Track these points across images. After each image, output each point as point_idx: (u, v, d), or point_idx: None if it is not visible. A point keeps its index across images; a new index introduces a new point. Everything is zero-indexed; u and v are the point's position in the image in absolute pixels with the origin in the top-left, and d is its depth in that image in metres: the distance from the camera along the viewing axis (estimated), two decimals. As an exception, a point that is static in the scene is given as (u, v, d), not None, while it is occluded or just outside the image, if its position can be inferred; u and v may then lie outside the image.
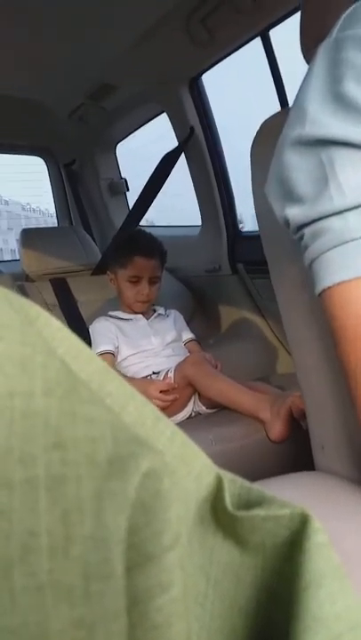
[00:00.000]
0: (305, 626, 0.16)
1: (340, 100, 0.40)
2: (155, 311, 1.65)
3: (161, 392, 1.33)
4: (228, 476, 0.20)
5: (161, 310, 1.67)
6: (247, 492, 0.20)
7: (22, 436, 0.16)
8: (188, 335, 1.66)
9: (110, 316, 1.60)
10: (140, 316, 1.60)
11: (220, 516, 0.19)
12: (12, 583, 0.13)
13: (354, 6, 0.41)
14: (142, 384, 1.37)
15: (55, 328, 0.21)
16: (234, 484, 0.20)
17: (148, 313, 1.63)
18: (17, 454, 0.15)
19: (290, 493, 0.50)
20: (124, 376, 1.47)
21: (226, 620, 0.18)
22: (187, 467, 0.19)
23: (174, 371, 1.37)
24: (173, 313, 1.70)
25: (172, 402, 1.34)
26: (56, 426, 0.16)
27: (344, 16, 0.42)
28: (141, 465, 0.15)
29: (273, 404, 1.20)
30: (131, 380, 1.45)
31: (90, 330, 1.59)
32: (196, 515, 0.19)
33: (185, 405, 1.38)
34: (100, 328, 1.55)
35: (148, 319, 1.61)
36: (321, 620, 0.16)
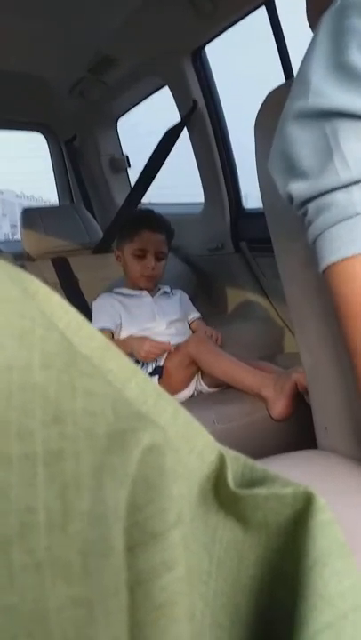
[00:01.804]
0: (311, 604, 0.16)
1: (344, 69, 0.39)
2: (160, 289, 1.65)
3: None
4: (230, 454, 0.20)
5: (166, 289, 1.67)
6: (250, 471, 0.20)
7: (20, 410, 0.15)
8: (193, 314, 1.66)
9: (115, 292, 1.60)
10: (146, 292, 1.59)
11: (223, 494, 0.19)
12: (10, 560, 0.13)
13: None
14: (138, 340, 1.39)
15: (55, 303, 0.20)
16: (237, 462, 0.20)
17: (153, 290, 1.62)
18: (15, 429, 0.15)
19: (292, 471, 0.50)
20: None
21: (229, 597, 0.18)
22: (189, 444, 0.19)
23: (177, 348, 1.37)
24: (179, 292, 1.70)
25: (164, 350, 1.35)
26: (55, 399, 0.16)
27: None
28: (143, 439, 0.15)
29: (276, 381, 1.20)
30: (125, 338, 1.46)
31: (92, 305, 1.58)
32: (199, 493, 0.18)
33: (188, 384, 1.38)
34: (103, 304, 1.55)
35: (153, 296, 1.60)
36: (327, 599, 0.16)
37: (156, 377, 1.35)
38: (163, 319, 1.55)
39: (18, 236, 2.42)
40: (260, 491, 0.18)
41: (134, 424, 0.16)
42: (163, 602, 0.14)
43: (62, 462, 0.14)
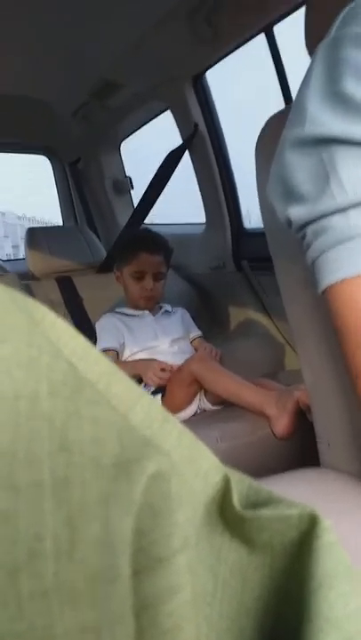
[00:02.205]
0: (317, 628, 0.16)
1: (339, 97, 0.40)
2: (161, 308, 1.66)
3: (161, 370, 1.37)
4: (235, 476, 0.20)
5: (167, 307, 1.67)
6: (255, 492, 0.20)
7: (28, 439, 0.15)
8: (195, 332, 1.66)
9: (117, 312, 1.61)
10: (147, 312, 1.61)
11: (228, 516, 0.19)
12: (18, 588, 0.13)
13: (352, 4, 0.41)
14: (144, 364, 1.40)
15: (61, 329, 0.21)
16: (242, 484, 0.20)
17: (154, 309, 1.63)
18: (22, 457, 0.15)
19: (296, 490, 0.50)
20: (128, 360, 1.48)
21: (234, 620, 0.18)
22: (194, 467, 0.19)
23: (180, 367, 1.37)
24: (180, 310, 1.71)
25: (168, 380, 1.35)
26: (61, 428, 0.16)
27: (342, 14, 0.42)
28: (147, 467, 0.15)
29: (279, 399, 1.19)
30: (134, 361, 1.46)
31: (96, 326, 1.59)
32: (204, 514, 0.19)
33: (191, 402, 1.38)
34: (106, 324, 1.56)
35: (154, 315, 1.61)
36: (333, 622, 0.16)
37: (159, 395, 1.35)
38: (165, 338, 1.55)
39: (20, 255, 2.43)
40: (266, 512, 0.18)
41: (139, 452, 0.16)
42: (169, 627, 0.14)
43: (69, 490, 0.14)
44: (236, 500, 0.19)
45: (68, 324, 0.21)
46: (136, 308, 1.61)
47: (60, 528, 0.14)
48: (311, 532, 0.18)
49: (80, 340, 0.20)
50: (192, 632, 0.15)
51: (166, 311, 1.66)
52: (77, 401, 0.16)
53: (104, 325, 1.56)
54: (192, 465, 0.19)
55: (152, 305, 1.62)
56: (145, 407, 0.20)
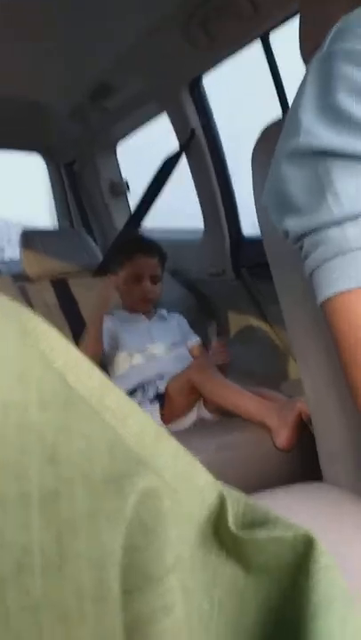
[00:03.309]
0: None
1: (332, 111, 0.40)
2: (156, 312, 1.66)
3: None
4: (232, 494, 0.20)
5: (163, 312, 1.67)
6: (251, 511, 0.19)
7: (16, 450, 0.15)
8: (193, 339, 1.66)
9: (113, 315, 1.60)
10: (143, 316, 1.61)
11: (223, 537, 0.19)
12: (5, 602, 0.13)
13: (343, 19, 0.42)
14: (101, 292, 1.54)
15: (54, 339, 0.20)
16: (238, 503, 0.20)
17: (149, 313, 1.63)
18: (10, 468, 0.15)
19: (296, 504, 0.49)
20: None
21: None
22: (189, 485, 0.19)
23: (179, 374, 1.37)
24: (176, 316, 1.71)
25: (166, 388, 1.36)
26: (51, 441, 0.16)
27: (334, 30, 0.42)
28: (138, 484, 0.15)
29: (280, 410, 1.18)
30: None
31: None
32: (199, 534, 0.18)
33: (190, 410, 1.37)
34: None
35: (149, 319, 1.61)
36: None
37: (157, 404, 1.34)
38: (159, 341, 1.55)
39: (5, 258, 2.42)
40: (262, 534, 0.18)
41: (130, 468, 0.16)
42: None
43: (58, 504, 0.14)
44: (231, 520, 0.18)
45: (60, 334, 0.21)
46: (132, 311, 1.61)
47: (49, 542, 0.14)
48: (308, 555, 0.18)
49: (73, 351, 0.20)
50: None
51: (162, 316, 1.66)
52: (68, 415, 0.16)
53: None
54: (187, 482, 0.19)
55: (149, 308, 1.63)
56: (138, 421, 0.19)
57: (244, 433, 1.21)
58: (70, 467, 0.15)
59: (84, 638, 0.13)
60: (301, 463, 1.13)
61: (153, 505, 0.15)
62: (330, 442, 0.62)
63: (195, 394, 1.32)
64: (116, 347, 1.53)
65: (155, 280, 1.60)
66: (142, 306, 1.60)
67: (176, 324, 1.67)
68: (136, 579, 0.15)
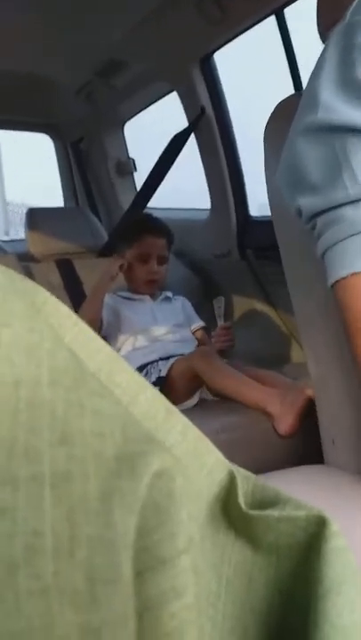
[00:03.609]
0: (324, 634, 0.15)
1: (353, 85, 0.39)
2: (162, 294, 1.65)
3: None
4: (241, 473, 0.19)
5: (168, 294, 1.67)
6: (261, 491, 0.19)
7: (28, 428, 0.15)
8: (197, 322, 1.65)
9: (117, 295, 1.59)
10: (147, 297, 1.60)
11: (233, 515, 0.18)
12: (16, 585, 0.13)
13: None
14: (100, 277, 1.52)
15: (63, 315, 0.20)
16: (247, 481, 0.19)
17: (154, 295, 1.62)
18: (22, 448, 0.14)
19: (299, 487, 0.49)
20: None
21: (238, 620, 0.17)
22: (199, 462, 0.18)
23: (182, 360, 1.36)
24: (181, 299, 1.70)
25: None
26: (63, 418, 0.15)
27: (357, 1, 0.40)
28: (152, 464, 0.15)
29: (284, 396, 1.16)
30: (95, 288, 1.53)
31: None
32: (208, 512, 0.18)
33: (191, 396, 1.37)
34: (107, 303, 1.54)
35: (154, 300, 1.61)
36: (340, 629, 0.16)
37: (158, 388, 1.33)
38: (163, 323, 1.54)
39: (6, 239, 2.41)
40: (273, 512, 0.18)
41: (144, 447, 0.15)
42: (172, 629, 0.14)
43: (70, 485, 0.14)
44: (241, 498, 0.18)
45: (69, 309, 0.20)
46: (137, 292, 1.61)
47: (60, 524, 0.13)
48: (319, 535, 0.18)
49: (82, 326, 0.20)
50: (195, 634, 0.14)
51: (167, 297, 1.66)
52: (79, 391, 0.16)
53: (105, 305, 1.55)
54: (197, 460, 0.18)
55: (155, 289, 1.62)
56: (149, 398, 0.19)
57: (245, 414, 1.21)
58: (82, 445, 0.15)
59: (96, 623, 0.13)
60: (304, 445, 1.13)
61: (166, 485, 0.15)
62: (334, 424, 0.62)
63: (197, 380, 1.32)
64: (118, 327, 1.52)
65: (161, 261, 1.59)
66: (147, 287, 1.59)
67: (180, 306, 1.66)
68: (148, 561, 0.14)
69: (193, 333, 1.62)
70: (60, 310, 0.20)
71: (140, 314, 1.55)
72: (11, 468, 0.14)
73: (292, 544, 0.18)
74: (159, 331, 1.53)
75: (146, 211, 2.04)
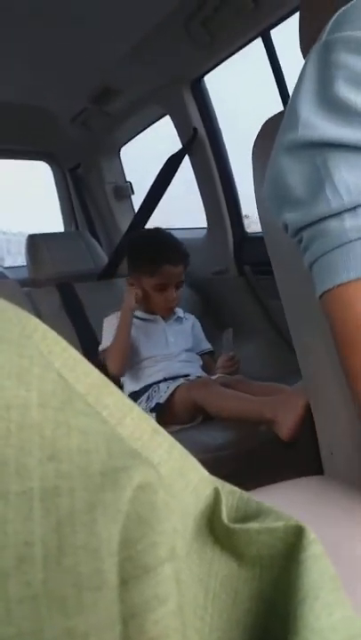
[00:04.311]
0: (302, 638, 0.16)
1: (331, 101, 0.40)
2: (174, 314, 1.65)
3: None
4: (226, 488, 0.20)
5: (180, 313, 1.66)
6: (245, 504, 0.20)
7: (18, 449, 0.16)
8: (205, 346, 1.66)
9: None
10: (159, 317, 1.60)
11: (218, 529, 0.19)
12: (7, 593, 0.13)
13: (343, 9, 0.42)
14: (124, 308, 1.51)
15: (52, 341, 0.21)
16: (232, 496, 0.20)
17: (167, 316, 1.63)
18: (13, 467, 0.15)
19: (298, 498, 0.50)
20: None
21: (225, 632, 0.18)
22: (184, 479, 0.19)
23: (183, 389, 1.37)
24: (192, 319, 1.70)
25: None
26: (51, 438, 0.16)
27: (333, 19, 0.42)
28: (134, 477, 0.16)
29: (284, 401, 1.15)
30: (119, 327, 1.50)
31: (104, 322, 1.59)
32: (195, 527, 0.19)
33: (193, 419, 1.38)
34: (115, 323, 1.54)
35: (166, 322, 1.61)
36: (318, 632, 0.16)
37: (154, 414, 1.34)
38: (174, 348, 1.55)
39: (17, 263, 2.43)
40: (253, 525, 0.19)
41: (127, 462, 0.16)
42: (155, 635, 0.15)
43: (58, 498, 0.15)
44: (225, 513, 0.19)
45: (58, 336, 0.21)
46: (149, 312, 1.60)
47: (49, 535, 0.14)
48: (297, 545, 0.18)
49: (71, 352, 0.21)
50: None
51: (178, 317, 1.65)
52: (66, 412, 0.17)
53: (112, 324, 1.54)
54: (182, 478, 0.19)
55: (170, 314, 1.62)
56: (135, 419, 0.20)
57: (244, 429, 1.21)
58: (69, 462, 0.16)
59: (83, 627, 0.14)
60: (303, 459, 1.12)
61: (148, 498, 0.16)
62: (332, 437, 0.62)
63: (196, 407, 1.33)
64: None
65: (178, 286, 1.57)
66: (165, 312, 1.59)
67: (191, 327, 1.66)
68: (132, 570, 0.15)
69: (201, 356, 1.62)
70: (49, 337, 0.21)
71: (153, 337, 1.55)
72: (2, 484, 0.15)
73: (273, 555, 0.19)
74: (170, 354, 1.53)
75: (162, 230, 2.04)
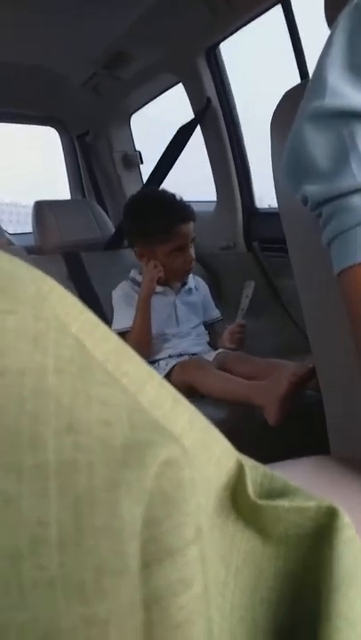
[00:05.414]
0: (335, 627, 0.15)
1: None
2: (185, 284, 1.60)
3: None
4: (249, 463, 0.19)
5: (191, 283, 1.62)
6: (269, 481, 0.19)
7: (33, 417, 0.15)
8: (215, 314, 1.64)
9: (135, 284, 1.55)
10: (169, 289, 1.56)
11: (242, 504, 0.18)
12: (21, 575, 0.12)
13: None
14: (145, 285, 1.45)
15: (69, 303, 0.20)
16: (256, 471, 0.19)
17: (175, 286, 1.59)
18: (27, 437, 0.14)
19: (303, 478, 0.49)
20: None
21: (247, 610, 0.17)
22: (207, 451, 0.18)
23: (178, 368, 1.37)
24: (202, 287, 1.66)
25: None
26: (69, 407, 0.15)
27: None
28: (160, 454, 0.14)
29: (268, 387, 1.14)
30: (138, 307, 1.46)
31: (113, 296, 1.56)
32: (217, 501, 0.18)
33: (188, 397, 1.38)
34: (125, 298, 1.51)
35: (176, 294, 1.57)
36: (351, 622, 0.15)
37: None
38: (183, 324, 1.53)
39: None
40: (283, 502, 0.18)
41: (151, 436, 0.15)
42: (181, 621, 0.14)
43: (76, 474, 0.14)
44: (250, 488, 0.18)
45: (76, 298, 0.20)
46: (164, 283, 1.54)
47: (65, 514, 0.13)
48: (330, 527, 0.17)
49: (88, 315, 0.19)
50: (204, 625, 0.14)
51: (189, 289, 1.61)
52: (86, 380, 0.15)
53: (122, 299, 1.51)
54: (204, 450, 0.18)
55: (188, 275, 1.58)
56: (156, 386, 0.19)
57: (238, 407, 1.21)
58: (88, 434, 0.14)
59: (103, 614, 0.12)
60: (307, 436, 1.12)
61: (174, 475, 0.14)
62: (340, 415, 0.62)
63: (191, 388, 1.32)
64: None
65: (192, 242, 1.52)
66: (185, 275, 1.55)
67: (201, 299, 1.63)
68: (156, 552, 0.14)
69: (211, 324, 1.61)
70: (66, 299, 0.20)
71: (162, 313, 1.51)
72: (15, 456, 0.13)
73: (300, 534, 0.18)
74: (178, 332, 1.52)
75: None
